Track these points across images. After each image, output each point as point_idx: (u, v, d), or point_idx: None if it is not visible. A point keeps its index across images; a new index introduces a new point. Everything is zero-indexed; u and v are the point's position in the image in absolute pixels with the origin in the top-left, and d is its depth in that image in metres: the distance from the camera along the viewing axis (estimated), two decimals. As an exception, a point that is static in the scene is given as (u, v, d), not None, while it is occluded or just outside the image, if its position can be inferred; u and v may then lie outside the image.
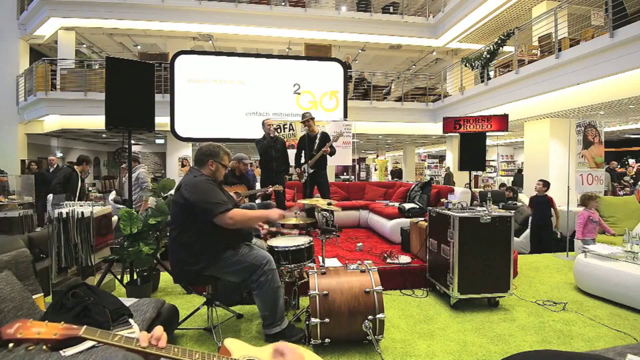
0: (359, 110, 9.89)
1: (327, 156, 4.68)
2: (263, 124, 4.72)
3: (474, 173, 8.80)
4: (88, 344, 0.82)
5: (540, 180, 5.05)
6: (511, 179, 14.56)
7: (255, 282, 2.16)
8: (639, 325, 2.59)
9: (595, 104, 6.55)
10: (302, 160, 4.70)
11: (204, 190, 2.09)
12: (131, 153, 3.87)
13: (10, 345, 0.73)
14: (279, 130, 7.28)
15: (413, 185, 5.29)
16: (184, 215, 2.12)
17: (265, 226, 2.43)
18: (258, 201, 4.42)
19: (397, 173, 15.95)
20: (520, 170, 14.72)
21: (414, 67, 14.89)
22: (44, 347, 0.77)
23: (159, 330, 0.84)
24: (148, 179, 4.98)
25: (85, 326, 0.82)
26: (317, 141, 4.60)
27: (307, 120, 4.62)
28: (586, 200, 4.24)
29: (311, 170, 4.60)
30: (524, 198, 7.03)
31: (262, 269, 2.15)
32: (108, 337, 0.81)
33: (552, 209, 4.92)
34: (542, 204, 4.92)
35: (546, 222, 4.92)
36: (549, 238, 4.99)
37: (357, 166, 22.61)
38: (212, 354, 0.88)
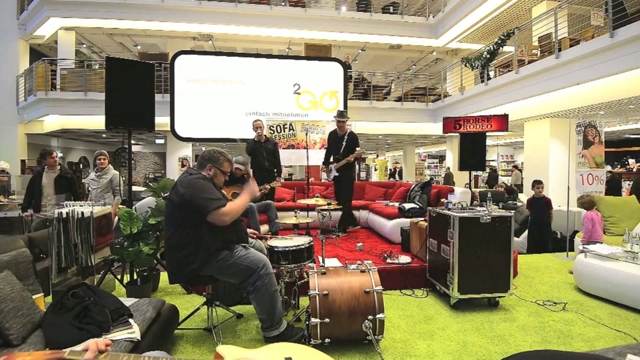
0: (359, 110, 9.90)
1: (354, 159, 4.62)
2: (253, 125, 4.73)
3: (474, 173, 8.80)
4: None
5: (536, 181, 5.02)
6: (510, 179, 14.53)
7: (251, 286, 2.14)
8: (639, 325, 2.58)
9: (595, 104, 6.55)
10: (331, 159, 4.75)
11: (199, 186, 2.09)
12: (131, 153, 3.87)
13: None
14: (278, 130, 7.29)
15: (413, 185, 5.29)
16: (179, 213, 2.11)
17: (265, 228, 2.42)
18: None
19: (394, 173, 16.09)
20: (494, 170, 14.71)
21: (414, 67, 14.89)
22: None
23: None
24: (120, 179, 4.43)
25: (69, 349, 0.83)
26: (344, 142, 4.58)
27: (342, 120, 4.63)
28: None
29: (336, 174, 4.63)
30: (524, 198, 7.04)
31: (258, 273, 2.14)
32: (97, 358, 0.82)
33: (550, 210, 4.91)
34: (542, 205, 4.91)
35: (546, 223, 4.92)
36: (548, 239, 4.98)
37: (357, 166, 22.60)
38: None
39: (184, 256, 2.10)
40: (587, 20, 6.90)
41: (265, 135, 4.77)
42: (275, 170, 4.74)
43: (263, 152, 4.62)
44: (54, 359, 0.78)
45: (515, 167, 14.54)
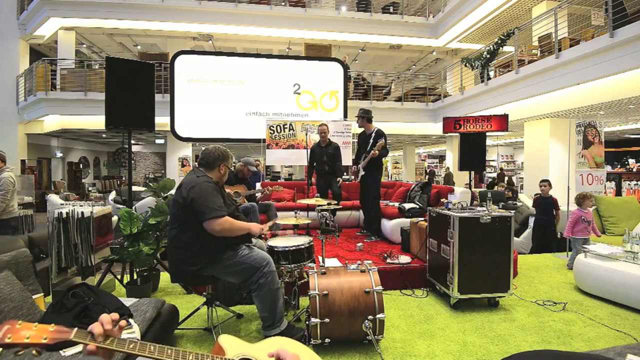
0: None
1: (378, 158, 4.41)
2: (318, 129, 4.89)
3: (474, 173, 8.80)
4: None
5: (544, 180, 4.97)
6: (513, 179, 14.44)
7: (254, 284, 2.15)
8: (639, 325, 2.59)
9: (595, 104, 6.55)
10: (360, 161, 4.69)
11: (204, 191, 2.09)
12: (131, 153, 3.86)
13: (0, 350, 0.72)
14: (278, 130, 7.29)
15: (413, 185, 5.29)
16: (184, 215, 2.11)
17: (266, 228, 2.41)
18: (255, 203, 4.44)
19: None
20: (447, 169, 14.42)
21: (414, 67, 14.89)
22: (34, 351, 0.75)
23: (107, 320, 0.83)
24: (11, 185, 3.87)
25: (75, 329, 0.80)
26: (370, 140, 4.47)
27: (356, 116, 4.61)
28: (581, 199, 4.19)
29: (363, 172, 4.57)
30: (524, 198, 7.04)
31: (261, 270, 2.14)
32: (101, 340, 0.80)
33: (555, 210, 4.88)
34: (548, 205, 4.88)
35: (550, 223, 4.90)
36: (553, 240, 4.96)
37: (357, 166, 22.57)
38: (205, 354, 0.87)
39: (187, 257, 2.11)
40: (587, 20, 6.91)
41: (328, 139, 4.90)
42: (332, 172, 4.82)
43: (324, 157, 4.77)
44: (60, 339, 0.77)
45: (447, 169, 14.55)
